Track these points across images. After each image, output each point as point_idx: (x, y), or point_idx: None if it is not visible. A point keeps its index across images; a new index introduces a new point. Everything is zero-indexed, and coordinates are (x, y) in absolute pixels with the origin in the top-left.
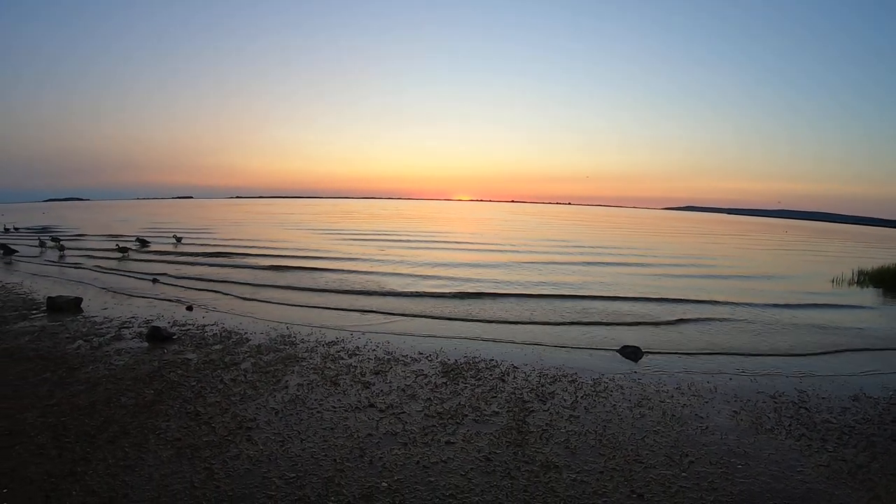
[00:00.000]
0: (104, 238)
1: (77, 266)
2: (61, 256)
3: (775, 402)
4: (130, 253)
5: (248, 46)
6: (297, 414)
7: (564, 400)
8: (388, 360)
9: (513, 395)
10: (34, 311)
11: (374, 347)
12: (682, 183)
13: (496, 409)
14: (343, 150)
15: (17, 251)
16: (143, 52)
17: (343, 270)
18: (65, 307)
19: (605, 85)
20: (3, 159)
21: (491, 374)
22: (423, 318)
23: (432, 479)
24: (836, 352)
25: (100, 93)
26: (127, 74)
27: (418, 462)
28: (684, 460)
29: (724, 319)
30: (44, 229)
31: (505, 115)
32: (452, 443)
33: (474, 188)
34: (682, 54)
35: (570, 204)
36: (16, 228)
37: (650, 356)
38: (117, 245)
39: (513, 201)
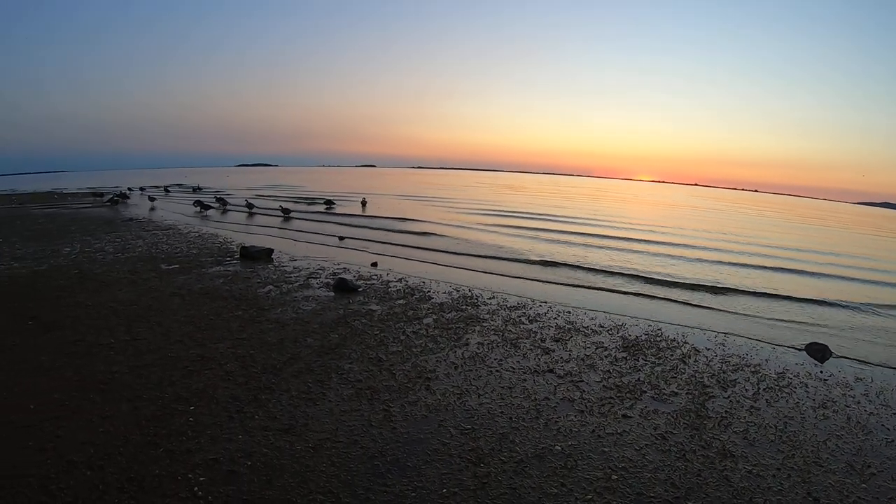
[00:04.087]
0: (289, 200)
1: (266, 223)
2: (250, 215)
3: None
4: (293, 214)
5: (431, 24)
6: (476, 370)
7: (746, 390)
8: (569, 329)
9: (693, 378)
10: (228, 258)
11: (555, 316)
12: (876, 177)
13: (675, 390)
14: (527, 126)
15: (213, 207)
16: (334, 28)
17: (520, 233)
18: (257, 256)
19: (798, 63)
20: (201, 128)
21: (672, 355)
22: (606, 293)
23: (606, 449)
24: None
25: (285, 65)
26: (318, 47)
27: (593, 431)
28: (866, 471)
29: None
30: (222, 192)
31: (690, 92)
32: (629, 416)
33: (655, 169)
34: (887, 33)
35: (756, 191)
36: (198, 188)
37: (838, 359)
38: (280, 206)
39: (695, 184)
